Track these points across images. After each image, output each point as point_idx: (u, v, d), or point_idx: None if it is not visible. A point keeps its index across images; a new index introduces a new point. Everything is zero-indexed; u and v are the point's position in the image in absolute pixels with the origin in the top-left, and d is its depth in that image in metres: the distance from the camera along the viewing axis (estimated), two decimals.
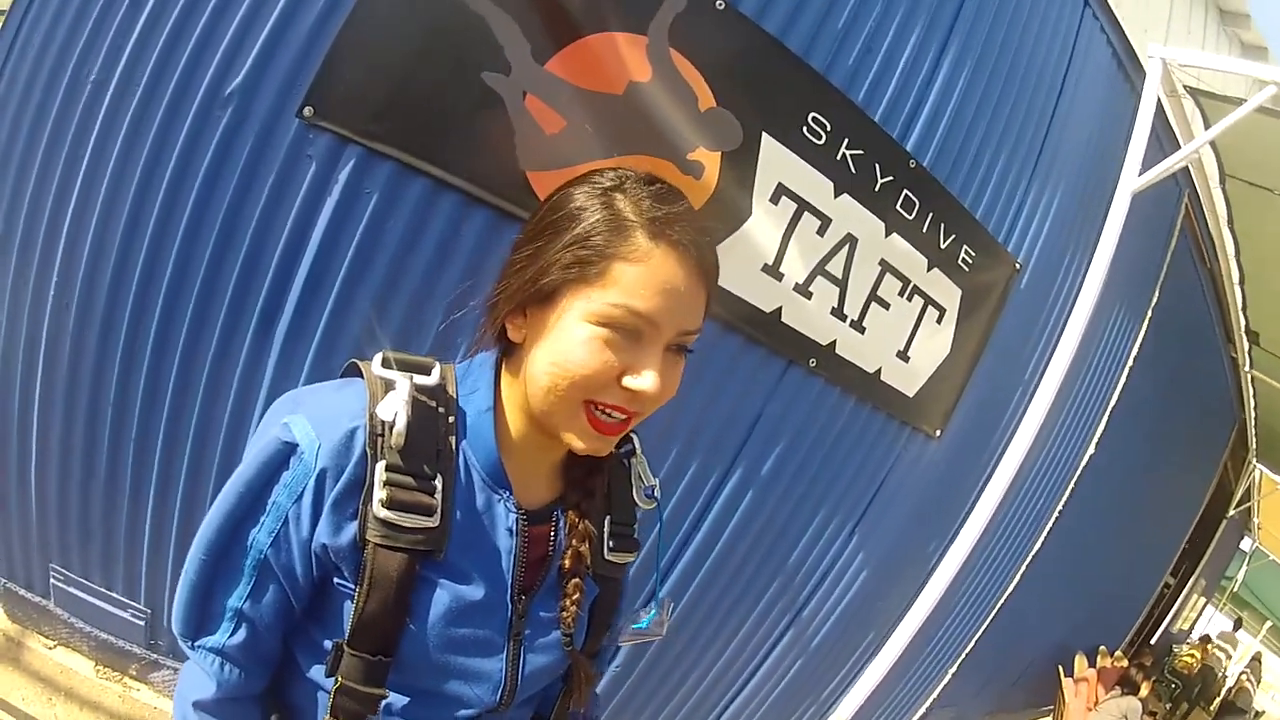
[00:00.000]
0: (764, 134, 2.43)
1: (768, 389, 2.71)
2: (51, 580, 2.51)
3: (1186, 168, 3.99)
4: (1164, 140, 3.68)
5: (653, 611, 1.24)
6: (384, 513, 0.93)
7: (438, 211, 2.13)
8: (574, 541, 1.08)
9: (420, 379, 0.99)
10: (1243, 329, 5.78)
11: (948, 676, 4.57)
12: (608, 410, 0.93)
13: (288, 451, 0.95)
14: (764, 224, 2.48)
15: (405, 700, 1.02)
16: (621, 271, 0.90)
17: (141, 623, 2.52)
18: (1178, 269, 4.58)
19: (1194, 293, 5.19)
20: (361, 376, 1.00)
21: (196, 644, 1.02)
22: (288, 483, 0.95)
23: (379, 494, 0.93)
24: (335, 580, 0.99)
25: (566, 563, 1.08)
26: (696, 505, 2.76)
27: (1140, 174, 3.38)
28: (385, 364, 0.99)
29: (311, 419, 0.95)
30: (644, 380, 0.91)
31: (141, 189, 2.02)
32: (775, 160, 2.46)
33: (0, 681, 2.53)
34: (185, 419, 2.22)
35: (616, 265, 0.90)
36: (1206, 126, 3.52)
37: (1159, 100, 3.46)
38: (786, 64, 2.42)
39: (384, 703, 1.00)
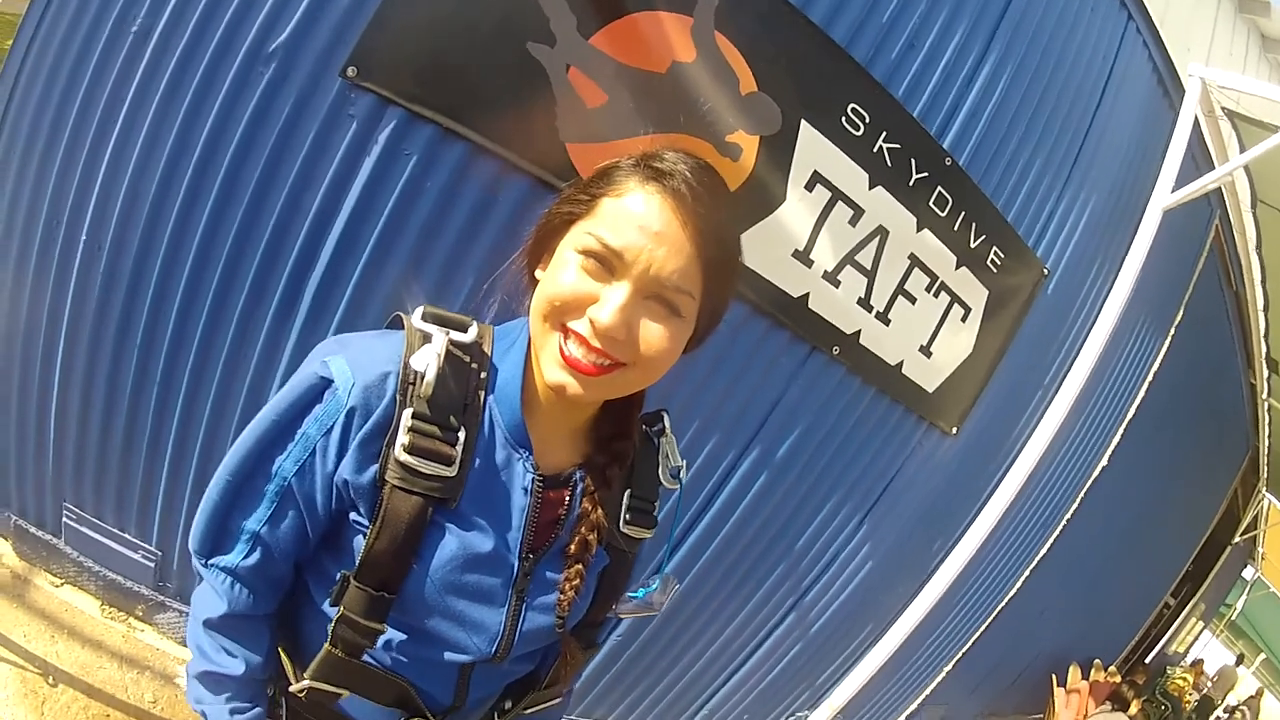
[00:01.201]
0: (803, 121, 2.45)
1: (790, 373, 2.74)
2: (64, 518, 2.55)
3: (1219, 189, 3.97)
4: (1199, 160, 3.67)
5: (654, 584, 1.26)
6: (404, 457, 0.98)
7: (475, 177, 2.16)
8: (583, 528, 1.11)
9: (456, 335, 1.03)
10: (1263, 356, 5.75)
11: (942, 674, 4.60)
12: (575, 340, 0.95)
13: (323, 386, 1.01)
14: (797, 210, 2.50)
15: (403, 637, 1.07)
16: (605, 205, 0.97)
17: (151, 564, 2.57)
18: (1203, 290, 4.56)
19: (1218, 315, 5.16)
20: (404, 329, 1.04)
21: (210, 562, 1.07)
22: (319, 416, 1.01)
23: (402, 438, 0.98)
24: (351, 516, 1.04)
25: (573, 548, 1.11)
26: (711, 482, 2.80)
27: (1173, 191, 3.38)
28: (425, 318, 1.03)
29: (350, 360, 1.00)
30: (600, 310, 0.92)
31: (181, 138, 2.04)
32: (812, 148, 2.48)
33: (3, 618, 2.56)
34: (211, 365, 2.26)
35: (603, 200, 0.98)
36: (1242, 150, 3.51)
37: (1196, 119, 3.45)
38: (829, 54, 2.43)
39: (383, 638, 1.06)
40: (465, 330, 1.05)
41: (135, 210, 2.11)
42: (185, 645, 2.64)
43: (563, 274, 0.96)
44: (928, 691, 4.63)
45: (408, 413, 0.99)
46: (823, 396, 2.84)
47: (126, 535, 2.54)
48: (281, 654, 1.16)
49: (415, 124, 2.08)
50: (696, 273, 0.96)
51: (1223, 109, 3.54)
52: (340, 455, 1.01)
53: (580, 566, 1.11)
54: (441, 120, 2.08)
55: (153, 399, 2.31)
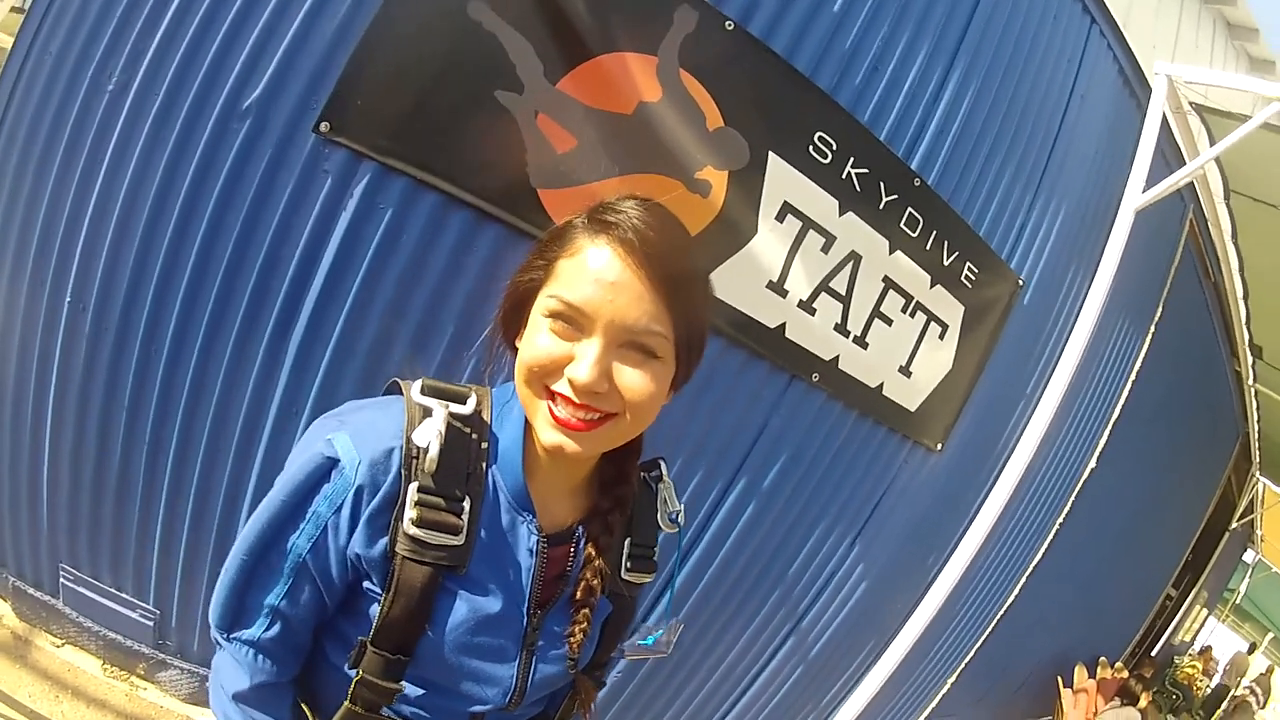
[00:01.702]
0: (770, 153, 2.48)
1: (771, 403, 2.75)
2: (61, 579, 2.55)
3: (1191, 184, 3.99)
4: (1169, 157, 3.70)
5: (660, 631, 1.28)
6: (413, 530, 1.00)
7: (449, 227, 2.19)
8: (588, 574, 1.13)
9: (456, 408, 1.05)
10: (1247, 343, 5.79)
11: (947, 686, 4.59)
12: (562, 400, 0.97)
13: (330, 466, 1.02)
14: (769, 241, 2.52)
15: (420, 691, 1.09)
16: (561, 266, 0.99)
17: (150, 623, 2.56)
18: (1182, 284, 4.60)
19: (1198, 308, 5.20)
20: (401, 395, 1.07)
21: (231, 636, 1.09)
22: (328, 494, 1.02)
23: (410, 513, 1.00)
24: (365, 585, 1.06)
25: (579, 594, 1.13)
26: (699, 516, 2.80)
27: (1144, 190, 3.40)
28: (424, 391, 1.05)
29: (353, 437, 1.02)
30: (576, 368, 0.94)
31: (160, 196, 2.08)
32: (781, 179, 2.51)
33: (7, 679, 2.55)
34: (200, 422, 2.28)
35: (559, 262, 1.00)
36: (1212, 143, 3.54)
37: (1164, 117, 3.48)
38: (794, 83, 2.46)
39: (400, 694, 1.07)
40: (464, 402, 1.07)
41: (118, 270, 2.14)
42: (187, 703, 2.67)
43: (536, 340, 0.98)
44: (933, 704, 4.62)
45: (413, 487, 1.01)
46: (805, 423, 2.85)
47: (124, 595, 2.55)
48: (303, 708, 1.16)
49: (389, 177, 2.12)
50: (663, 312, 0.96)
51: (1190, 104, 3.57)
52: (351, 530, 1.03)
53: (587, 611, 1.13)
54: (414, 172, 2.11)
55: (143, 456, 2.32)
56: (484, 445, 1.08)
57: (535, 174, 2.19)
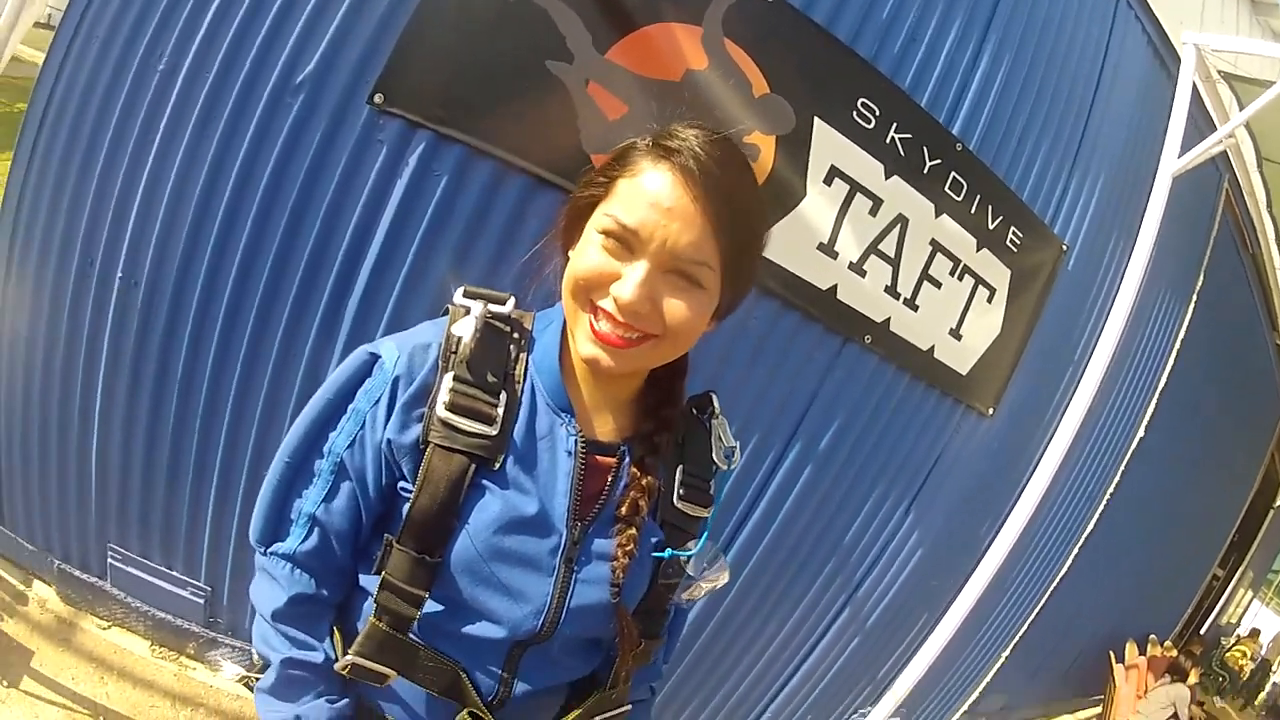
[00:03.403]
0: (816, 119, 2.51)
1: (825, 365, 2.77)
2: (109, 560, 2.58)
3: (1225, 153, 3.98)
4: (1201, 125, 3.69)
5: (703, 540, 1.22)
6: (445, 414, 1.03)
7: (505, 193, 2.23)
8: (632, 491, 1.12)
9: (494, 307, 1.10)
10: None
11: (1001, 660, 4.57)
12: (604, 316, 1.00)
13: (372, 363, 1.08)
14: (818, 205, 2.56)
15: (445, 610, 1.08)
16: (621, 185, 1.02)
17: (201, 600, 2.59)
18: (1221, 256, 4.58)
19: (1238, 279, 5.18)
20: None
21: (270, 550, 1.11)
22: (368, 389, 1.07)
23: (443, 398, 1.03)
24: (400, 485, 1.08)
25: (623, 510, 1.11)
26: (756, 480, 2.82)
27: (1179, 156, 3.41)
28: (465, 294, 1.10)
29: (397, 340, 1.09)
30: (621, 287, 0.97)
31: (213, 174, 2.13)
32: (827, 144, 2.54)
33: (50, 662, 2.57)
34: (254, 393, 2.32)
35: (619, 181, 1.03)
36: (1241, 109, 3.54)
37: (1194, 85, 3.49)
38: (835, 52, 2.50)
39: (427, 610, 1.06)
40: (503, 304, 1.11)
41: (170, 245, 2.19)
42: (238, 682, 2.68)
43: (586, 254, 1.02)
44: (987, 679, 4.59)
45: (449, 376, 1.04)
46: (860, 386, 2.87)
47: (174, 573, 2.57)
48: (336, 635, 1.16)
49: (444, 145, 2.16)
50: (711, 245, 0.99)
51: (1219, 73, 3.58)
52: (387, 422, 1.06)
53: (633, 531, 1.11)
54: (469, 140, 2.16)
55: (195, 431, 2.36)
56: (523, 343, 1.12)
57: (588, 141, 2.23)
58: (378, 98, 2.10)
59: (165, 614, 2.64)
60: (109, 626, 2.68)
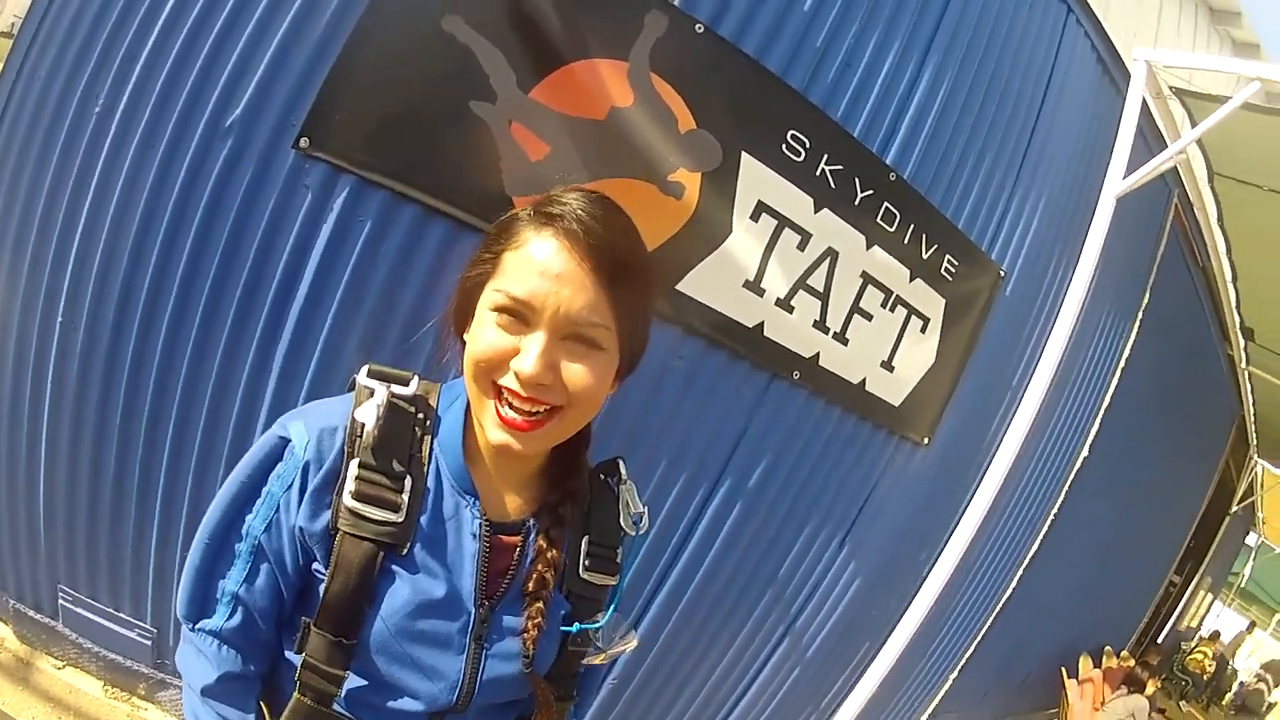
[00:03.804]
0: (744, 153, 2.48)
1: (753, 402, 2.74)
2: (60, 600, 2.55)
3: (1175, 168, 3.99)
4: (1151, 142, 3.69)
5: (609, 614, 1.23)
6: (352, 503, 1.02)
7: (428, 237, 2.20)
8: (539, 566, 1.12)
9: (397, 388, 1.08)
10: (1238, 326, 5.78)
11: (949, 682, 4.57)
12: (510, 399, 0.99)
13: (283, 446, 1.06)
14: (745, 241, 2.52)
15: (365, 685, 1.07)
16: (507, 259, 1.01)
17: (148, 642, 2.56)
18: (1170, 270, 4.60)
19: (1187, 293, 5.20)
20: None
21: (196, 626, 1.10)
22: (281, 474, 1.06)
23: (349, 486, 1.02)
24: (313, 567, 1.07)
25: (530, 585, 1.11)
26: (685, 519, 2.79)
27: (1125, 177, 3.40)
28: (369, 374, 1.08)
29: (306, 421, 1.07)
30: (521, 361, 0.96)
31: (146, 215, 2.10)
32: (755, 178, 2.50)
33: (10, 701, 2.55)
34: (189, 438, 2.29)
35: (505, 255, 1.02)
36: (1194, 126, 3.53)
37: (1144, 102, 3.47)
38: (765, 83, 2.47)
39: (348, 686, 1.06)
40: (406, 384, 1.09)
41: (107, 291, 2.16)
42: None
43: (483, 335, 1.00)
44: (936, 701, 4.60)
45: (354, 463, 1.03)
46: (789, 422, 2.84)
47: (122, 614, 2.55)
48: (261, 706, 1.16)
49: (367, 190, 2.14)
50: (605, 304, 0.99)
51: (1171, 88, 3.57)
52: (299, 508, 1.05)
53: (540, 604, 1.11)
54: (392, 185, 2.13)
55: (135, 474, 2.33)
56: (427, 424, 1.11)
57: (510, 183, 2.19)
58: (303, 141, 2.07)
59: (115, 655, 2.62)
60: (64, 666, 2.68)
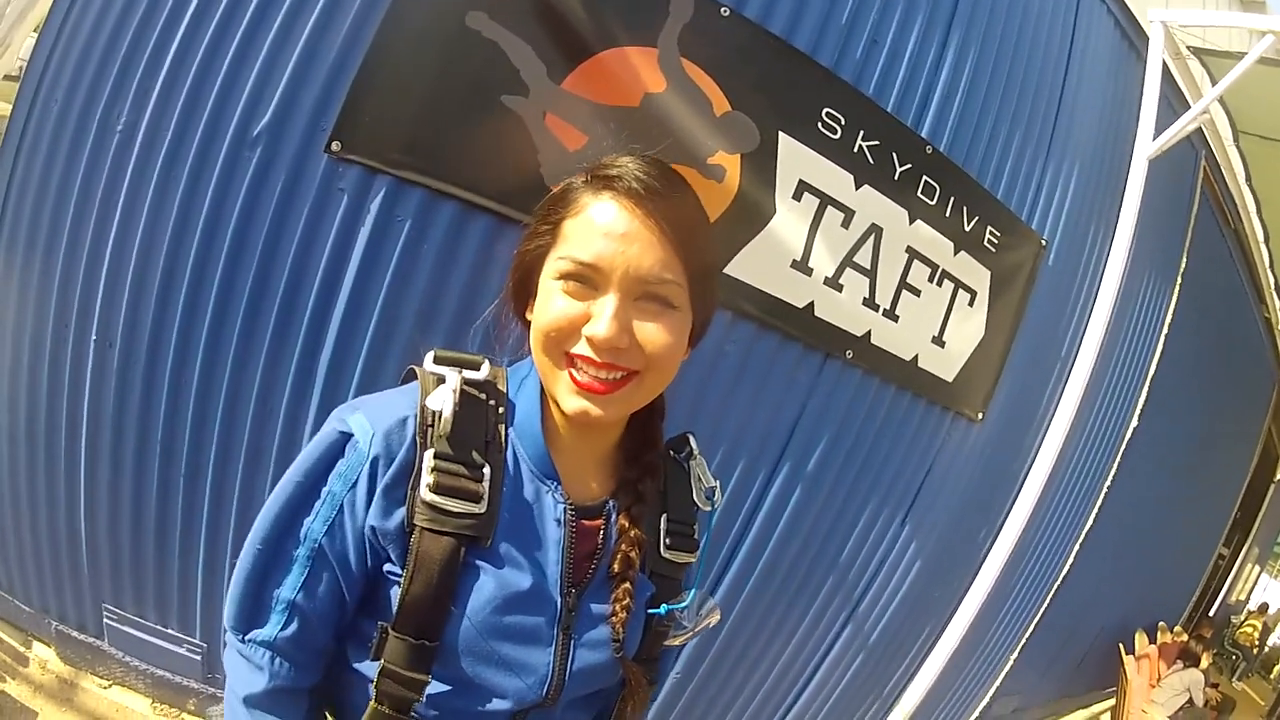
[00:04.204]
0: (780, 133, 2.45)
1: (808, 384, 2.71)
2: (105, 620, 2.55)
3: (1200, 130, 3.98)
4: (1174, 104, 3.68)
5: (691, 596, 1.20)
6: (430, 497, 0.97)
7: (470, 233, 2.18)
8: (623, 545, 1.09)
9: (469, 373, 1.04)
10: (1273, 287, 5.73)
11: (1010, 663, 4.51)
12: (582, 365, 0.96)
13: (343, 442, 1.01)
14: (789, 221, 2.50)
15: (448, 689, 1.03)
16: (567, 227, 0.99)
17: (198, 657, 2.54)
18: (1203, 234, 4.56)
19: (1222, 257, 5.16)
20: (417, 380, 1.05)
21: (247, 637, 1.04)
22: (342, 471, 1.00)
23: (426, 479, 0.98)
24: (385, 568, 1.02)
25: (616, 566, 1.08)
26: (745, 506, 2.75)
27: (1154, 139, 3.38)
28: (436, 361, 1.03)
29: (367, 413, 1.01)
30: (595, 325, 0.94)
31: (178, 231, 2.11)
32: (794, 158, 2.48)
33: None
34: (235, 448, 2.27)
35: (565, 224, 1.00)
36: (1214, 84, 3.52)
37: (1164, 64, 3.46)
38: (795, 63, 2.45)
39: (429, 691, 1.01)
40: (478, 369, 1.05)
41: (141, 304, 2.17)
42: None
43: (550, 304, 0.97)
44: (997, 683, 4.53)
45: (429, 453, 0.99)
46: (844, 402, 2.80)
47: (169, 630, 2.53)
48: (328, 717, 1.11)
49: (404, 190, 2.13)
50: (675, 260, 0.97)
51: (1188, 48, 3.56)
52: (368, 506, 1.00)
53: (628, 585, 1.08)
54: (429, 183, 2.12)
55: (180, 490, 2.32)
56: (501, 411, 1.06)
57: (549, 174, 2.17)
58: (335, 145, 2.06)
59: (164, 671, 2.60)
60: (109, 685, 2.65)
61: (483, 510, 0.99)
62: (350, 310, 2.17)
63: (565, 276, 0.96)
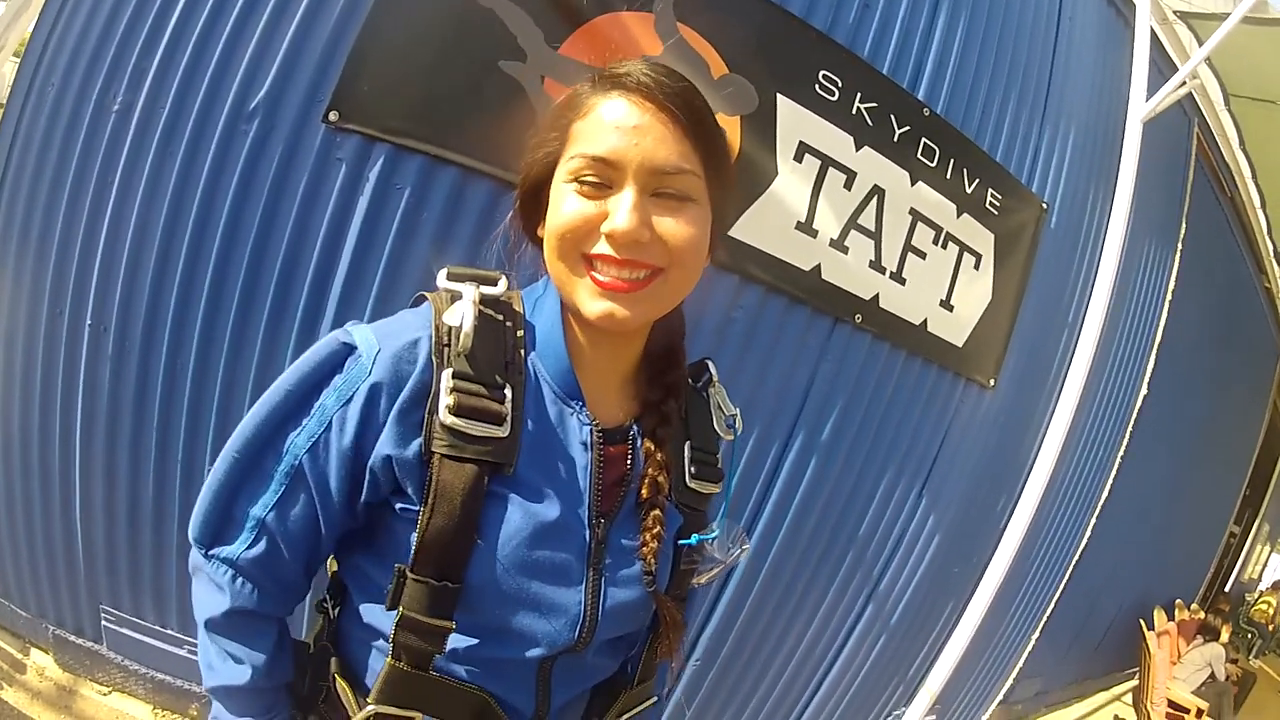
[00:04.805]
0: (779, 95, 2.44)
1: (818, 349, 2.66)
2: (103, 622, 2.49)
3: (1192, 96, 4.01)
4: (1164, 69, 3.69)
5: (718, 529, 1.13)
6: (450, 419, 0.90)
7: (470, 200, 2.16)
8: (650, 470, 1.03)
9: (486, 289, 0.97)
10: (1271, 254, 5.72)
11: (1031, 643, 4.46)
12: (603, 265, 0.91)
13: (345, 354, 0.94)
14: (791, 183, 2.47)
15: (474, 641, 0.96)
16: (577, 129, 0.93)
17: (199, 659, 2.47)
18: (1200, 203, 4.57)
19: (1219, 226, 5.17)
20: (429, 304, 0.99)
21: (210, 552, 0.98)
22: (338, 385, 0.93)
23: (445, 400, 0.90)
24: (398, 505, 0.95)
25: (644, 491, 1.02)
26: (760, 477, 2.69)
27: (1147, 100, 3.38)
28: (449, 277, 0.97)
29: (376, 331, 0.95)
30: (614, 220, 0.88)
31: (174, 208, 2.08)
32: (794, 120, 2.46)
33: None
34: (231, 430, 2.20)
35: (574, 126, 0.94)
36: (1201, 47, 3.54)
37: (1152, 30, 3.47)
38: (790, 26, 2.44)
39: (451, 644, 0.94)
40: (495, 284, 0.98)
41: (136, 287, 2.14)
42: None
43: (564, 206, 0.92)
44: (1019, 665, 4.48)
45: (447, 373, 0.91)
46: (855, 368, 2.76)
47: (169, 631, 2.48)
48: (342, 684, 1.03)
49: (403, 157, 2.12)
50: (689, 149, 0.92)
51: (1175, 13, 3.58)
52: (360, 430, 0.92)
53: (658, 512, 1.02)
54: (428, 149, 2.11)
55: (177, 478, 2.27)
56: (520, 334, 0.99)
57: None
58: (332, 115, 2.06)
59: (164, 675, 2.54)
60: (109, 692, 2.61)
61: (505, 433, 0.92)
62: (349, 282, 2.14)
63: (578, 177, 0.91)
